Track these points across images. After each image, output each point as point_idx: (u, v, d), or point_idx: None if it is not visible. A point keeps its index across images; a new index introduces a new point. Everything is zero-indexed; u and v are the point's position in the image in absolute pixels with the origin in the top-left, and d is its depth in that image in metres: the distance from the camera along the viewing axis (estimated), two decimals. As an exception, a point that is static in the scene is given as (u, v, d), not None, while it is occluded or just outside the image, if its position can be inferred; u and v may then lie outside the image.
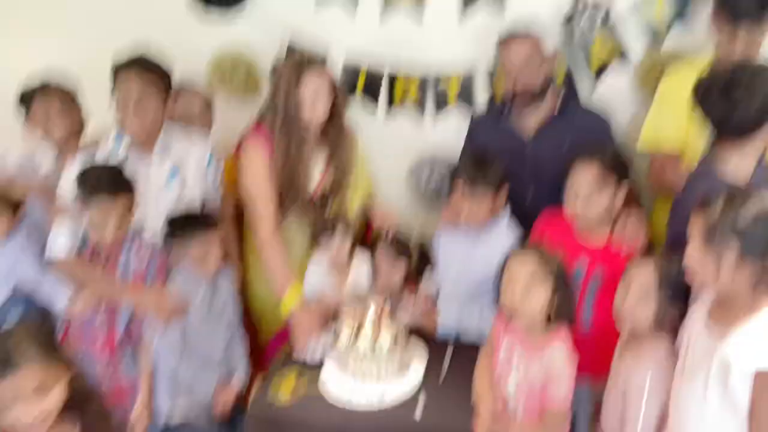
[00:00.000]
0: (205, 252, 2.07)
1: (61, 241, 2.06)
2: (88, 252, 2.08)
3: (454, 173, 2.22)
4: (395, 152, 2.76)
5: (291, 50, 2.58)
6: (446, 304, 2.23)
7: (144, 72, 2.10)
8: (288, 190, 2.27)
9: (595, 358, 1.95)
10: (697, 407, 1.49)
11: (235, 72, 2.69)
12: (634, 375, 1.65)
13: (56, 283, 2.08)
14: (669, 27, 2.42)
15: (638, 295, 1.63)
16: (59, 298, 2.07)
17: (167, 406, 2.08)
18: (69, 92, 2.40)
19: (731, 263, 1.40)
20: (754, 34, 2.05)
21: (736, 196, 1.43)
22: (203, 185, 2.31)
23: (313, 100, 2.17)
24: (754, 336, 1.41)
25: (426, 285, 2.32)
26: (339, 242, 2.21)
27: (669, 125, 2.20)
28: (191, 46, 2.60)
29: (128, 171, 2.06)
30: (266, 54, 2.66)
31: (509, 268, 1.76)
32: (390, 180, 2.76)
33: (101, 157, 2.12)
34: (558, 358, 1.71)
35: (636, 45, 2.47)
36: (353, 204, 2.44)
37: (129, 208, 2.03)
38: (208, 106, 2.52)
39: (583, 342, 1.90)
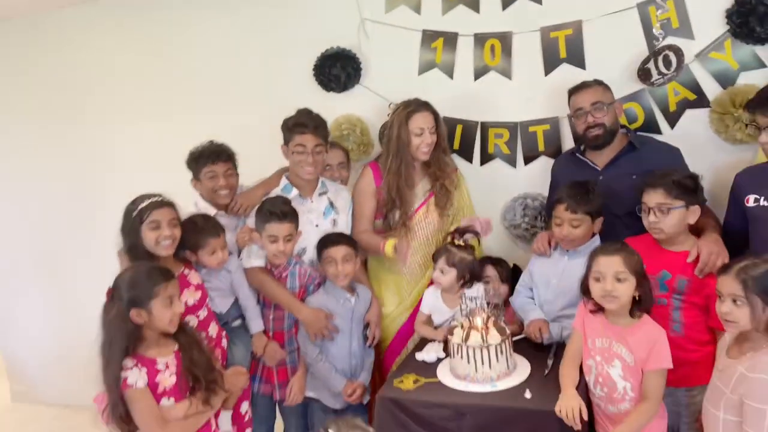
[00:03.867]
0: (342, 262, 2.55)
1: (253, 256, 2.61)
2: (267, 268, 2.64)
3: (556, 201, 2.45)
4: (489, 195, 3.08)
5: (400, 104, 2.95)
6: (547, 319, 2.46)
7: (318, 130, 2.63)
8: (392, 208, 2.75)
9: (688, 358, 2.12)
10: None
11: (352, 131, 3.18)
12: (757, 386, 1.68)
13: (256, 313, 2.60)
14: (740, 70, 2.64)
15: (729, 301, 1.76)
16: (253, 324, 2.60)
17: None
18: (232, 156, 2.77)
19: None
20: None
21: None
22: (347, 222, 2.81)
23: (419, 134, 2.69)
24: None
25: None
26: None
27: None
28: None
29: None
30: (375, 123, 3.18)
31: (598, 264, 1.99)
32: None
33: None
34: (654, 329, 1.95)
35: (710, 86, 2.69)
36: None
37: (293, 232, 2.55)
38: (347, 160, 3.03)
39: (676, 342, 2.06)
